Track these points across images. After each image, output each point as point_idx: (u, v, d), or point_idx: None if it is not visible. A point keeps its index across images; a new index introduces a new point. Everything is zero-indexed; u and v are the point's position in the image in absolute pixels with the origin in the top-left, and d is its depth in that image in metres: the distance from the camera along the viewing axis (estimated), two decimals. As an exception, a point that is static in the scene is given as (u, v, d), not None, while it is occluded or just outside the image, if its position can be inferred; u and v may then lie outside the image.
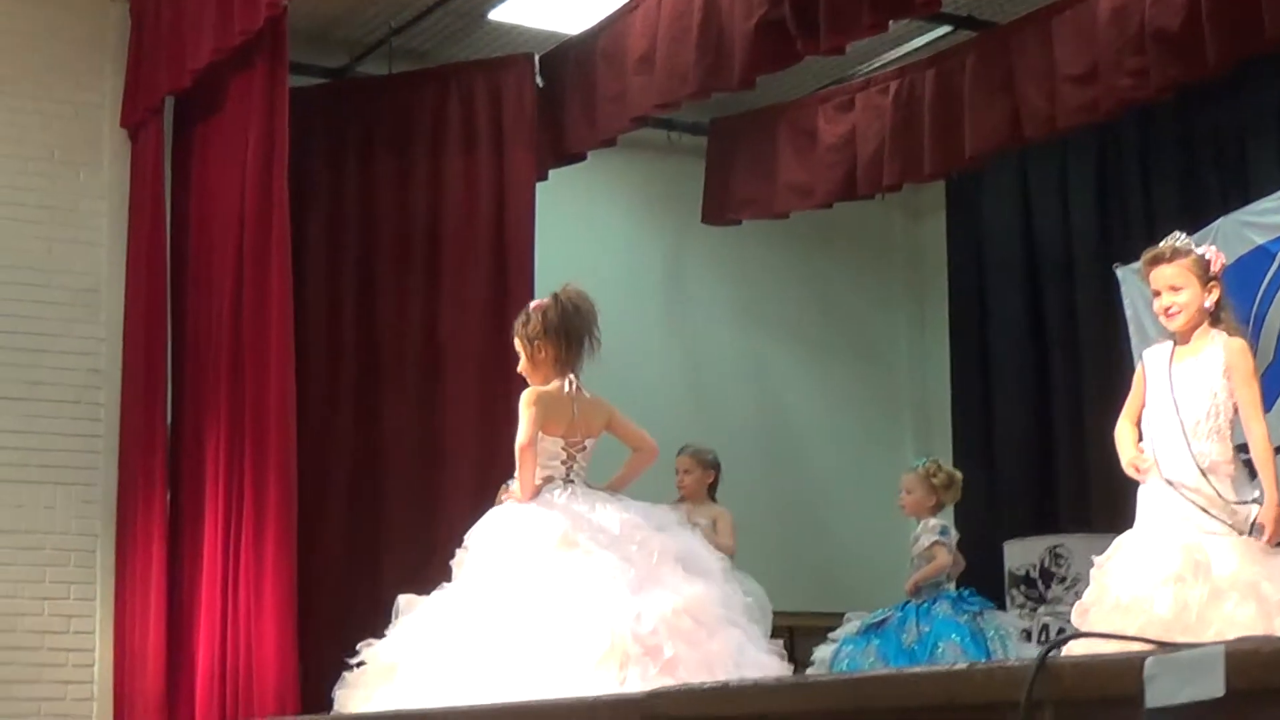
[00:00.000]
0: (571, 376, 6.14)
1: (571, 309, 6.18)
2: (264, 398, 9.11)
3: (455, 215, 10.27)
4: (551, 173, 10.45)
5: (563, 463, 6.09)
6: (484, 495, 6.78)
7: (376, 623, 6.40)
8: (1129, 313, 9.79)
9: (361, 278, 10.36)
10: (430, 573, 6.57)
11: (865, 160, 10.34)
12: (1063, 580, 9.95)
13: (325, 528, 9.87)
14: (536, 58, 10.39)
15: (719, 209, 11.18)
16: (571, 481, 6.08)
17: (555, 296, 6.21)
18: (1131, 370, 6.43)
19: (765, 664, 5.84)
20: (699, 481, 8.98)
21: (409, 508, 9.97)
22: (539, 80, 10.30)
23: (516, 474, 6.03)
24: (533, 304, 6.28)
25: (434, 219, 10.33)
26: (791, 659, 9.88)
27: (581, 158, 10.49)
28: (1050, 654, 2.40)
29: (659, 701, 2.99)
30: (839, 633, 8.35)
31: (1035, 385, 11.55)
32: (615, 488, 6.24)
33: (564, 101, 10.21)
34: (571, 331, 6.16)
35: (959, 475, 8.59)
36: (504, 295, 9.84)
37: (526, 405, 6.02)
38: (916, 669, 4.34)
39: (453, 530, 6.57)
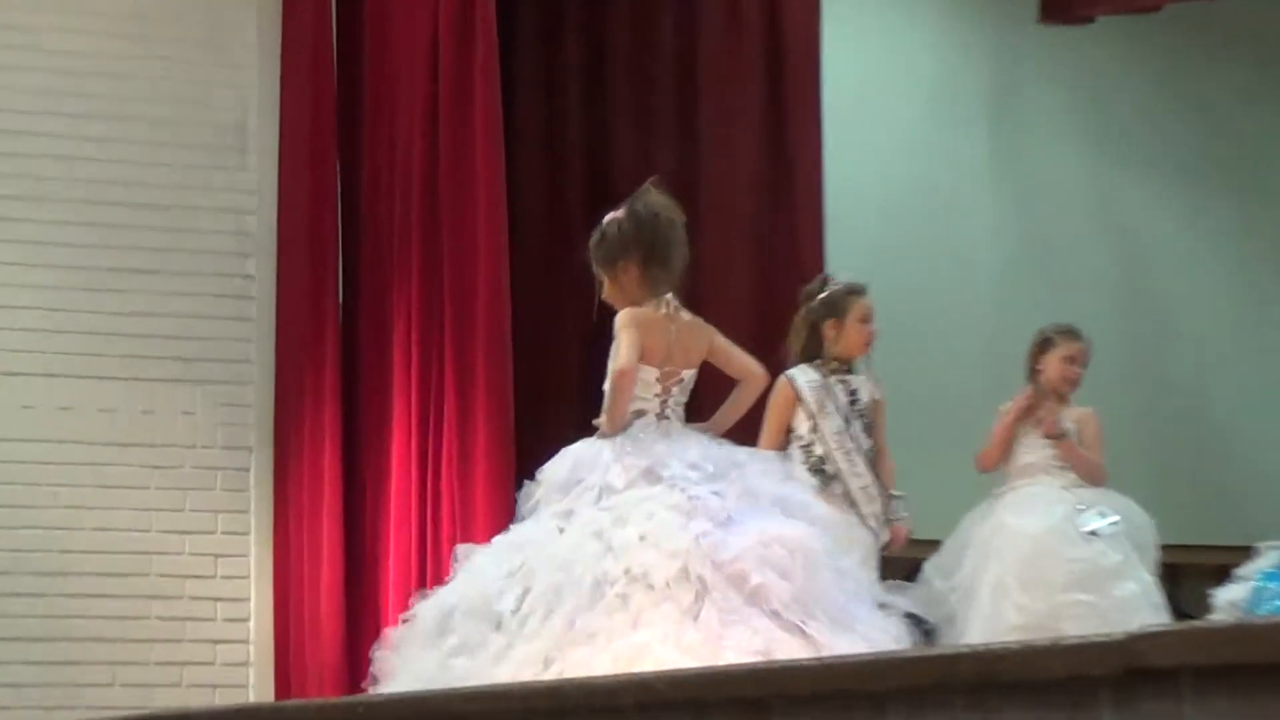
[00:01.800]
0: (669, 295, 6.11)
1: (649, 216, 6.12)
2: (469, 270, 8.66)
3: (713, 22, 9.36)
4: (837, -36, 9.71)
5: (656, 395, 6.10)
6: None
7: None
8: None
9: (590, 115, 9.52)
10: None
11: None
12: None
13: (550, 432, 8.83)
14: None
15: (1063, 4, 10.08)
16: (666, 418, 6.10)
17: (630, 206, 6.16)
18: None
19: (890, 628, 5.76)
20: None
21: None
22: None
23: (605, 404, 6.10)
24: (606, 217, 6.23)
25: (685, 29, 9.44)
26: (1174, 605, 9.21)
27: (875, -59, 9.89)
28: None
29: (1144, 644, 2.78)
30: (1251, 568, 7.59)
31: None
32: (719, 426, 6.25)
33: None
34: (655, 244, 6.11)
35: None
36: (782, 125, 9.20)
37: (624, 326, 6.06)
38: None
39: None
